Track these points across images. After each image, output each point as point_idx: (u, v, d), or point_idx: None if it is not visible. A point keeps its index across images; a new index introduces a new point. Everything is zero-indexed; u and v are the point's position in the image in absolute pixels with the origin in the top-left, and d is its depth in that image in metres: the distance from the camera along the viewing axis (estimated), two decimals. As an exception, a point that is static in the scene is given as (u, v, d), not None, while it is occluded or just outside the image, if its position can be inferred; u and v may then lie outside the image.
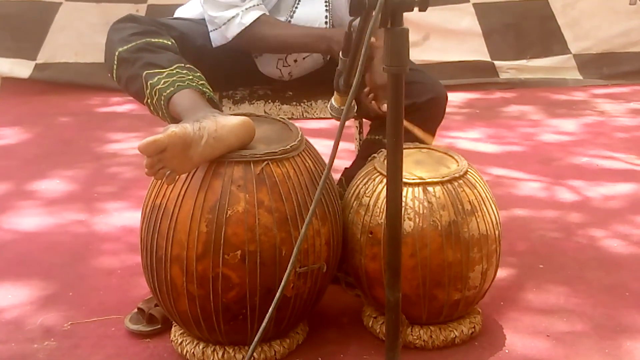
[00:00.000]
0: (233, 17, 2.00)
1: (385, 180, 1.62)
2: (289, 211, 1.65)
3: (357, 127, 2.30)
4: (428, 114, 1.97)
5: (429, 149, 1.93)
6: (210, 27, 2.06)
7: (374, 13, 1.29)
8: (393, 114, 1.35)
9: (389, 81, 1.34)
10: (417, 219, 1.73)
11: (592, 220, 2.61)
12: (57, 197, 2.87)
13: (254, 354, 1.75)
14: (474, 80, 4.49)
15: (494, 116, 3.98)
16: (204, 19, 2.08)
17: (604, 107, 4.12)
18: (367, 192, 1.80)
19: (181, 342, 1.82)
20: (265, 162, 1.66)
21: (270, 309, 1.45)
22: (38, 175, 3.08)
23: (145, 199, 1.74)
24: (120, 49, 1.85)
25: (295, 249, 1.45)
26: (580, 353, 1.83)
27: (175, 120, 1.75)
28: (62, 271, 2.26)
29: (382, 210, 1.74)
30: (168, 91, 1.77)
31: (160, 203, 1.68)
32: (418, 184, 1.75)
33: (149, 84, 1.80)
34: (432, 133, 2.06)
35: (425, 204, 1.74)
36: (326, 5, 2.10)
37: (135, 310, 1.96)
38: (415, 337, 1.84)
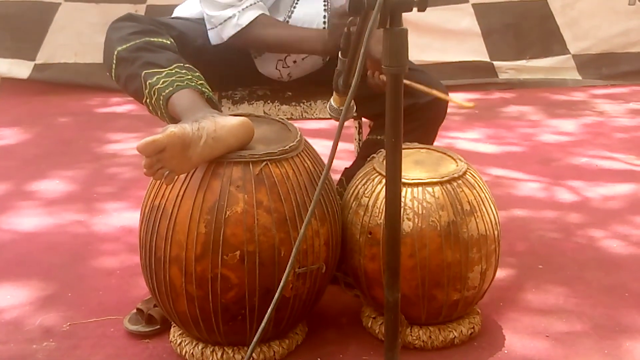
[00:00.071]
0: (230, 17, 2.00)
1: (384, 181, 1.62)
2: (288, 212, 1.65)
3: (356, 127, 2.30)
4: (429, 114, 1.97)
5: (428, 149, 1.93)
6: (207, 26, 2.06)
7: (372, 13, 1.29)
8: (392, 115, 1.35)
9: (388, 81, 1.34)
10: (416, 219, 1.73)
11: (592, 220, 2.61)
12: (57, 197, 2.87)
13: (253, 354, 1.75)
14: (474, 81, 4.48)
15: (493, 116, 3.98)
16: (203, 19, 2.08)
17: (603, 108, 4.12)
18: (366, 192, 1.80)
19: (180, 343, 1.82)
20: (264, 163, 1.66)
21: (269, 309, 1.45)
22: (37, 175, 3.08)
23: (144, 200, 1.74)
24: (119, 48, 1.85)
25: (294, 249, 1.44)
26: (580, 353, 1.83)
27: (174, 120, 1.75)
28: (61, 271, 2.26)
29: (381, 210, 1.74)
30: (167, 91, 1.76)
31: (159, 203, 1.68)
32: (417, 185, 1.75)
33: (147, 83, 1.79)
34: (434, 134, 2.06)
35: (425, 204, 1.74)
36: (324, 5, 2.10)
37: (135, 310, 1.96)
38: (414, 338, 1.84)
